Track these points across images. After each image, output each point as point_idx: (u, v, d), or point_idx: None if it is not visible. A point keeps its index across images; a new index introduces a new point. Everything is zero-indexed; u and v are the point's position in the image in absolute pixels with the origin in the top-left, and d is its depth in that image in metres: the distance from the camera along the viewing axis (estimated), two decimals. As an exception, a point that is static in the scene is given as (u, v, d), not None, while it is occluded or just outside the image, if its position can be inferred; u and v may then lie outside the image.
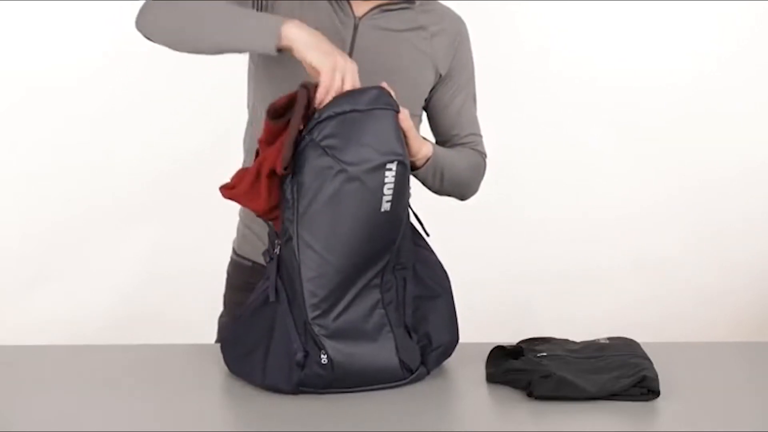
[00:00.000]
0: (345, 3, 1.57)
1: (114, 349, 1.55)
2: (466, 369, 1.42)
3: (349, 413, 1.25)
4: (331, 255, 1.28)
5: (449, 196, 1.65)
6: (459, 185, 1.63)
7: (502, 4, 2.83)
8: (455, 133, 1.67)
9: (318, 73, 1.33)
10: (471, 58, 1.69)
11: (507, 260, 2.94)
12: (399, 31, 1.59)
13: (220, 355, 1.45)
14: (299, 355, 1.29)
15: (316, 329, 1.29)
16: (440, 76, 1.64)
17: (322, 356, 1.29)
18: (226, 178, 1.39)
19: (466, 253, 2.58)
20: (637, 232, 3.03)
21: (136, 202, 2.94)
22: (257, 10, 1.54)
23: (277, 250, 1.35)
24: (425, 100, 1.66)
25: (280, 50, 1.38)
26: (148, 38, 1.50)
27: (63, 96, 2.86)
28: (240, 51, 1.45)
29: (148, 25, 1.48)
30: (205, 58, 1.53)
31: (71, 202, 2.91)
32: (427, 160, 1.49)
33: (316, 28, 1.41)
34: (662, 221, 3.02)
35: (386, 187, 1.28)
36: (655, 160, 3.01)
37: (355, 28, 1.56)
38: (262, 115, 1.33)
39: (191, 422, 1.24)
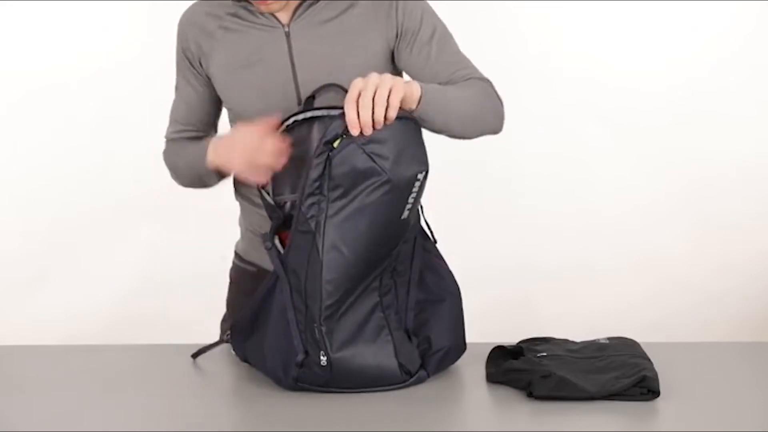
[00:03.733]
0: (269, 17, 1.53)
1: (114, 349, 1.55)
2: (466, 369, 1.42)
3: (349, 413, 1.25)
4: (352, 258, 1.28)
5: (471, 135, 1.52)
6: (473, 116, 1.50)
7: (504, 4, 2.83)
8: (447, 80, 1.53)
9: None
10: (418, 4, 1.58)
11: (506, 259, 2.94)
12: (330, 19, 1.54)
13: (220, 356, 1.45)
14: (299, 357, 1.30)
15: (324, 329, 1.29)
16: (397, 35, 1.55)
17: (322, 358, 1.30)
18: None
19: (466, 251, 2.58)
20: (637, 231, 3.03)
21: (135, 203, 2.94)
22: (199, 65, 1.60)
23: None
24: (395, 66, 1.59)
25: (220, 172, 1.52)
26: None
27: (63, 97, 2.86)
28: (215, 179, 1.56)
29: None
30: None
31: (71, 203, 2.91)
32: (420, 99, 1.34)
33: (253, 56, 1.53)
34: (662, 220, 3.02)
35: (411, 195, 1.29)
36: (655, 159, 3.01)
37: (287, 35, 1.54)
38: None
39: (191, 422, 1.24)
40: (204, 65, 1.60)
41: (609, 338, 1.46)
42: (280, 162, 1.37)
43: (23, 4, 2.83)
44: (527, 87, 2.86)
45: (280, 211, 1.37)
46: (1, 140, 2.91)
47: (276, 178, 1.39)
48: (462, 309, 1.43)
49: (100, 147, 2.91)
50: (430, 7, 1.60)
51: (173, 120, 1.66)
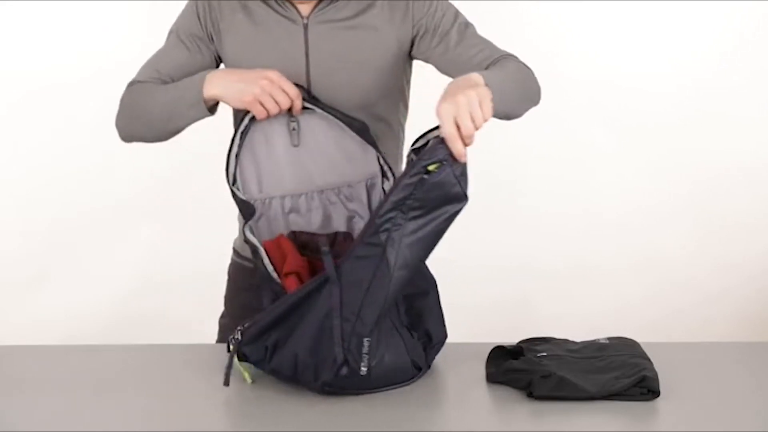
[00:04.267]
0: (290, 8, 1.56)
1: (114, 349, 1.55)
2: (466, 369, 1.42)
3: (350, 414, 1.25)
4: (409, 276, 1.30)
5: (522, 113, 1.53)
6: (522, 95, 1.52)
7: (508, 4, 2.83)
8: (476, 65, 1.56)
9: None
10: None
11: (506, 259, 2.94)
12: (349, 18, 1.58)
13: (220, 356, 1.45)
14: (341, 366, 1.28)
15: (371, 341, 1.29)
16: (417, 33, 1.59)
17: (363, 368, 1.29)
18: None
19: (467, 251, 2.58)
20: (637, 231, 3.03)
21: (135, 202, 2.94)
22: (209, 40, 1.60)
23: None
24: (409, 62, 1.66)
25: (213, 107, 1.50)
26: (128, 142, 1.62)
27: (63, 97, 2.86)
28: (188, 124, 1.53)
29: (121, 133, 1.61)
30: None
31: (71, 203, 2.91)
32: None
33: (269, 43, 1.54)
34: (662, 220, 3.02)
35: None
36: (655, 160, 3.01)
37: (305, 28, 1.57)
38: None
39: (191, 422, 1.24)
40: (215, 41, 1.60)
41: (609, 338, 1.46)
42: (297, 105, 1.45)
43: (23, 4, 2.83)
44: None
45: (252, 207, 1.44)
46: (1, 140, 2.91)
47: (244, 176, 1.47)
48: (440, 298, 1.45)
49: (100, 147, 2.89)
50: None
51: (153, 68, 1.60)
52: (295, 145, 1.50)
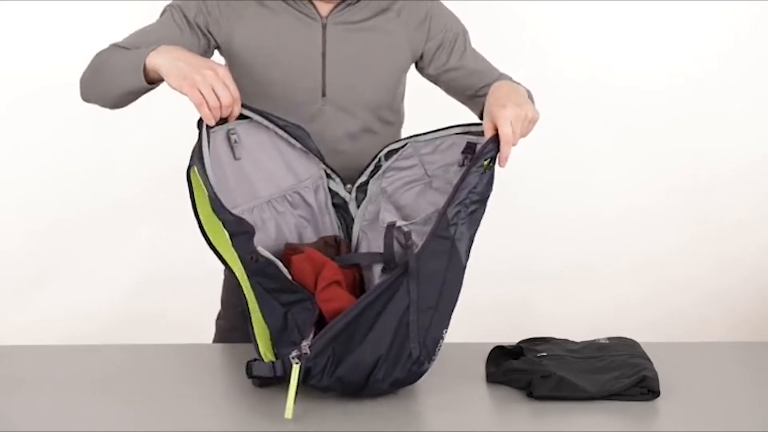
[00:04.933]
0: (309, 6, 1.57)
1: (114, 349, 1.55)
2: (466, 369, 1.42)
3: (350, 413, 1.25)
4: None
5: None
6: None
7: (504, 4, 2.84)
8: (484, 85, 1.63)
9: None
10: (450, 14, 1.68)
11: (506, 259, 2.94)
12: (365, 20, 1.60)
13: (220, 356, 1.45)
14: (418, 362, 1.29)
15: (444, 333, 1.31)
16: (431, 46, 1.64)
17: (428, 364, 1.30)
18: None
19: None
20: (636, 232, 3.03)
21: (135, 203, 2.94)
22: (195, 26, 1.56)
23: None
24: (430, 76, 1.70)
25: (152, 82, 1.42)
26: (86, 101, 1.56)
27: (63, 97, 2.85)
28: (134, 93, 1.47)
29: (80, 90, 1.56)
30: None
31: (71, 203, 2.91)
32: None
33: (283, 34, 1.52)
34: (661, 221, 3.02)
35: None
36: (653, 160, 3.01)
37: (324, 27, 1.57)
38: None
39: (191, 422, 1.24)
40: (214, 33, 1.58)
41: (609, 338, 1.46)
42: (235, 111, 1.37)
43: (23, 4, 2.83)
44: (528, 86, 2.86)
45: (249, 224, 1.28)
46: (1, 140, 2.91)
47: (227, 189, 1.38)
48: None
49: (100, 147, 2.91)
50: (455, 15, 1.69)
51: (138, 39, 1.55)
52: (238, 159, 1.43)
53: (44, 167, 2.90)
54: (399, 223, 1.43)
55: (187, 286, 2.83)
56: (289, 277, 1.30)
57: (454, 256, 1.31)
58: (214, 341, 1.75)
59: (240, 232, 1.26)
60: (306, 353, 1.23)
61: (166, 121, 2.87)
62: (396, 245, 1.40)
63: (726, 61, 2.95)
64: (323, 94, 1.60)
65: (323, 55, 1.58)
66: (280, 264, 1.29)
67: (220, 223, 1.24)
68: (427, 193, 1.49)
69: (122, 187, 2.93)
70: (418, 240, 1.37)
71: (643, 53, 2.97)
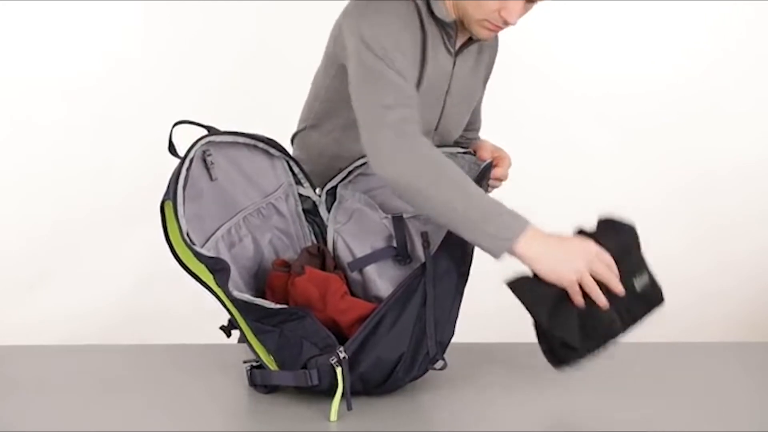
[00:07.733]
0: (453, 36, 1.53)
1: (114, 349, 1.55)
2: (466, 369, 1.42)
3: (350, 413, 1.25)
4: None
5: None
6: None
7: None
8: (473, 121, 1.77)
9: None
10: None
11: (504, 259, 2.94)
12: (477, 55, 1.63)
13: (219, 355, 1.45)
14: (435, 362, 1.32)
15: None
16: (486, 80, 1.73)
17: (441, 361, 1.33)
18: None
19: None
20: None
21: (135, 203, 2.93)
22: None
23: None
24: None
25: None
26: (385, 177, 1.34)
27: (63, 97, 2.86)
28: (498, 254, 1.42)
29: (386, 167, 1.33)
30: (204, 60, 1.55)
31: (72, 203, 2.91)
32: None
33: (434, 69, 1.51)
34: (660, 221, 3.02)
35: None
36: (652, 160, 3.01)
37: (454, 62, 1.57)
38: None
39: (191, 422, 1.24)
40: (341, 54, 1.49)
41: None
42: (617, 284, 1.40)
43: (24, 5, 2.83)
44: (525, 87, 2.86)
45: (225, 262, 1.31)
46: (1, 141, 2.91)
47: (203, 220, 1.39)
48: None
49: (101, 147, 2.91)
50: None
51: (403, 104, 1.36)
52: (215, 180, 1.42)
53: (45, 168, 2.90)
54: (405, 215, 1.50)
55: (187, 286, 2.83)
56: (273, 306, 1.29)
57: (465, 257, 1.39)
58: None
59: (217, 269, 1.31)
60: (345, 357, 1.24)
61: (166, 122, 2.88)
62: (399, 235, 1.48)
63: (726, 61, 2.95)
64: (436, 127, 1.60)
65: (448, 85, 1.57)
66: (258, 300, 1.30)
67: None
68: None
69: (122, 187, 2.93)
70: (416, 237, 1.48)
71: (644, 54, 2.97)
